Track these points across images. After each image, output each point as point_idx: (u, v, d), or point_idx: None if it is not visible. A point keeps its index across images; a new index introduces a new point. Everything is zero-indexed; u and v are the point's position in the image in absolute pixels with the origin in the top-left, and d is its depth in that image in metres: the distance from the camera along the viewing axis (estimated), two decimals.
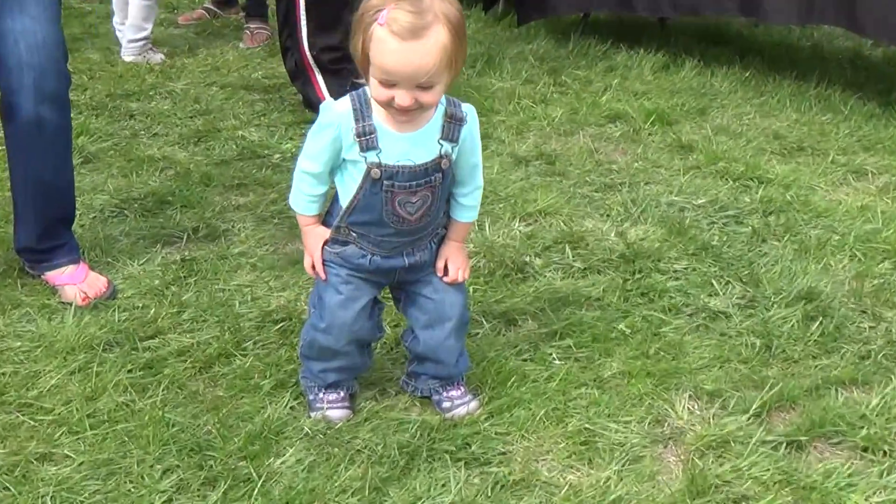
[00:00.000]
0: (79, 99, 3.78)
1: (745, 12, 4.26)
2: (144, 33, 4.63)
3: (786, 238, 2.92)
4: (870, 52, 4.65)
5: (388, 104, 1.83)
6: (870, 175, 3.37)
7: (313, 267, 2.04)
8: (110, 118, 3.70)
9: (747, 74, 4.29)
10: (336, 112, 1.91)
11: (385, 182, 1.90)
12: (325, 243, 2.02)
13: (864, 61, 4.55)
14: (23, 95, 2.35)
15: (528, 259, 2.77)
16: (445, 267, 2.07)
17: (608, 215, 3.05)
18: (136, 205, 3.03)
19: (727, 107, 3.95)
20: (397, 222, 1.95)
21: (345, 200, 1.96)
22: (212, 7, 5.58)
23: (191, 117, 3.75)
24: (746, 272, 2.72)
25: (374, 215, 1.94)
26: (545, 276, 2.70)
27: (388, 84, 1.80)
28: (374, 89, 1.83)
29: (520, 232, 2.92)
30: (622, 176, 3.31)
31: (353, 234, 1.98)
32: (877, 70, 4.42)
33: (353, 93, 1.93)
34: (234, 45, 5.06)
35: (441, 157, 1.93)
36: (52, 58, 2.35)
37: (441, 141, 1.92)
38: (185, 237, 2.86)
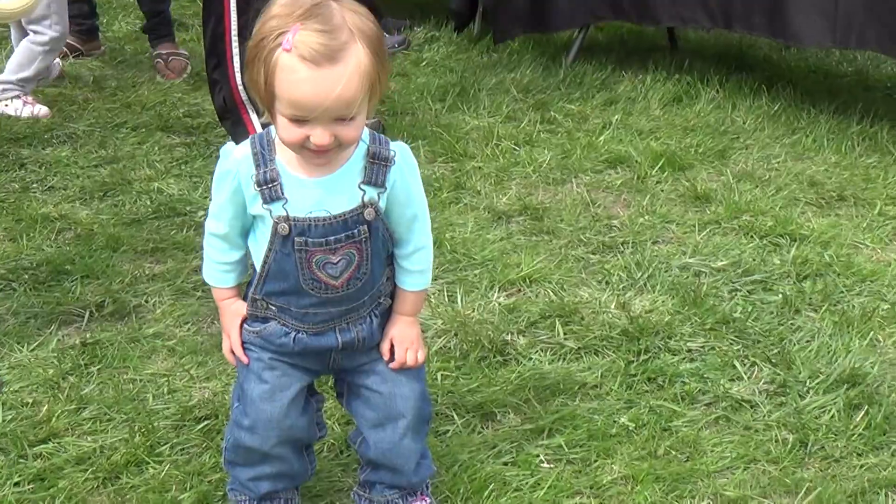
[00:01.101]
0: None
1: (773, 33, 4.32)
2: (21, 74, 4.51)
3: (824, 308, 2.94)
4: None
5: (301, 146, 1.79)
6: None
7: (232, 351, 2.02)
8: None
9: (776, 108, 4.32)
10: (234, 158, 1.90)
11: (296, 239, 1.88)
12: (244, 322, 2.02)
13: None
14: None
15: (509, 338, 2.78)
16: (392, 349, 2.04)
17: (608, 282, 3.06)
18: (26, 275, 3.03)
19: (752, 148, 3.97)
20: (318, 289, 1.92)
21: (258, 266, 1.95)
22: (73, 42, 5.30)
23: (95, 166, 3.73)
24: (776, 351, 2.74)
25: (290, 282, 1.93)
26: (530, 359, 2.70)
27: (301, 121, 1.76)
28: (282, 129, 1.79)
29: (499, 304, 2.94)
30: (624, 234, 3.33)
31: (273, 308, 1.97)
32: None
33: (254, 135, 1.92)
34: (150, 76, 5.07)
35: (364, 205, 1.89)
36: None
37: (362, 186, 1.89)
38: (86, 315, 2.85)
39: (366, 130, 1.90)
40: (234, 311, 2.02)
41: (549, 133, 4.08)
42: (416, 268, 2.02)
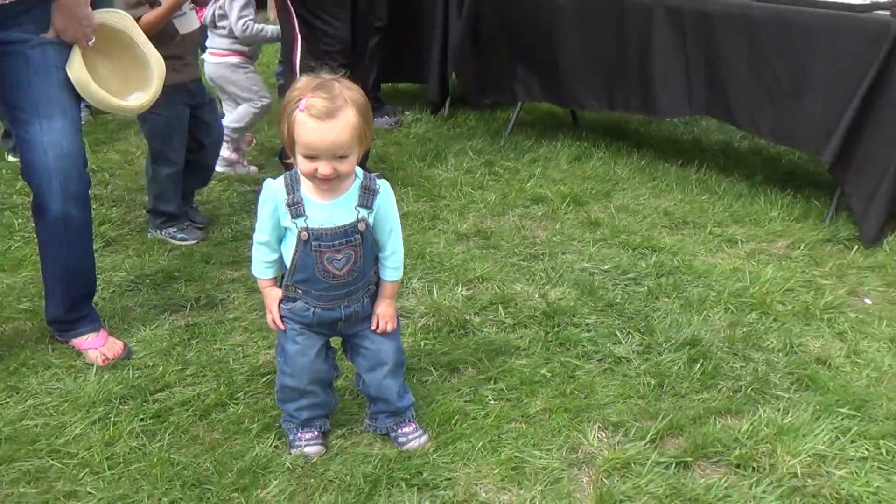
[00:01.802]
0: (101, 193, 3.75)
1: (645, 109, 4.26)
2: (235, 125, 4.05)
3: (674, 295, 2.94)
4: (738, 144, 4.71)
5: (312, 176, 1.86)
6: (739, 243, 3.40)
7: (274, 321, 2.05)
8: (127, 209, 3.65)
9: (642, 163, 4.31)
10: (272, 188, 1.95)
11: (313, 243, 1.93)
12: (281, 302, 2.03)
13: (734, 151, 4.60)
14: (51, 196, 2.34)
15: (468, 317, 2.77)
16: (377, 321, 2.07)
17: (533, 280, 3.05)
18: (148, 280, 3.01)
19: (627, 190, 3.96)
20: (328, 277, 1.96)
21: (288, 263, 1.99)
22: None
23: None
24: (643, 324, 2.74)
25: (309, 272, 1.96)
26: (482, 332, 2.69)
27: (311, 157, 1.83)
28: (300, 164, 1.86)
29: (462, 295, 2.92)
30: (544, 248, 3.31)
31: (299, 291, 2.00)
32: (744, 158, 4.48)
33: (286, 172, 1.96)
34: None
35: (358, 220, 1.94)
36: (75, 165, 2.35)
37: (357, 208, 1.95)
38: (188, 306, 2.83)
39: (361, 171, 1.94)
40: (273, 294, 2.04)
41: (493, 181, 4.07)
42: (393, 265, 2.05)
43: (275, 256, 2.02)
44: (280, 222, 1.96)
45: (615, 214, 3.65)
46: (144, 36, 2.53)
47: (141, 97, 2.51)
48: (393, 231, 2.03)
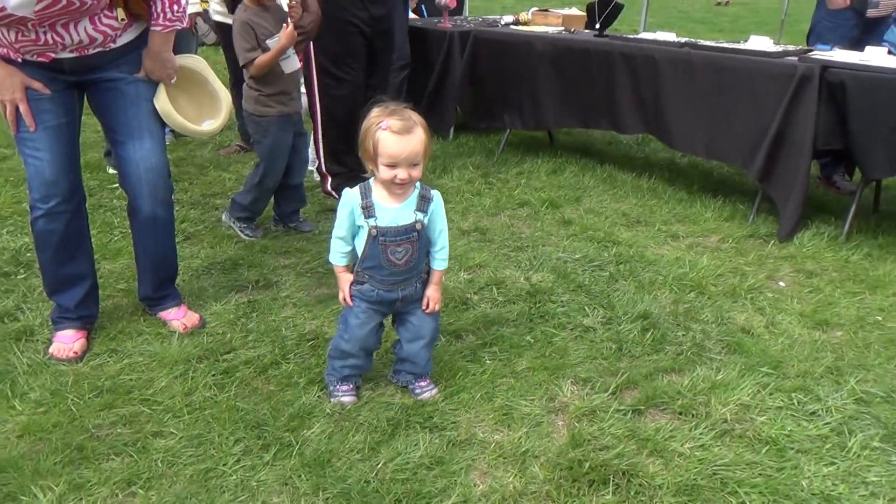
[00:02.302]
0: (182, 198, 3.72)
1: (612, 125, 4.16)
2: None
3: (630, 279, 2.90)
4: (680, 160, 4.65)
5: (392, 181, 1.85)
6: (681, 238, 3.36)
7: (344, 299, 2.03)
8: (203, 210, 3.62)
9: (605, 175, 4.27)
10: (350, 195, 1.93)
11: (380, 238, 1.91)
12: (351, 284, 2.00)
13: (676, 166, 4.56)
14: (143, 201, 2.33)
15: (469, 296, 2.74)
16: (427, 302, 2.05)
17: (519, 266, 3.01)
18: (218, 266, 2.98)
19: (593, 196, 3.92)
20: (390, 265, 1.94)
21: (360, 253, 1.96)
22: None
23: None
24: (606, 301, 2.71)
25: (376, 261, 1.94)
26: (480, 307, 2.67)
27: (393, 166, 1.84)
28: (382, 172, 1.85)
29: (464, 278, 2.89)
30: (528, 241, 3.28)
31: (367, 276, 1.98)
32: (684, 171, 4.43)
33: (361, 183, 1.95)
34: None
35: (416, 221, 1.93)
36: (161, 175, 2.34)
37: (416, 212, 1.94)
38: (250, 287, 2.80)
39: (420, 183, 1.94)
40: (345, 278, 2.01)
41: (489, 189, 4.02)
42: (441, 257, 2.03)
43: (348, 249, 2.01)
44: (355, 222, 1.95)
45: (584, 215, 3.61)
46: (214, 75, 2.50)
47: (212, 123, 2.49)
48: (442, 231, 2.02)
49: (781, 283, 2.92)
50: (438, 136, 5.08)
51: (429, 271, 2.06)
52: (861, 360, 2.35)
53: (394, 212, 1.93)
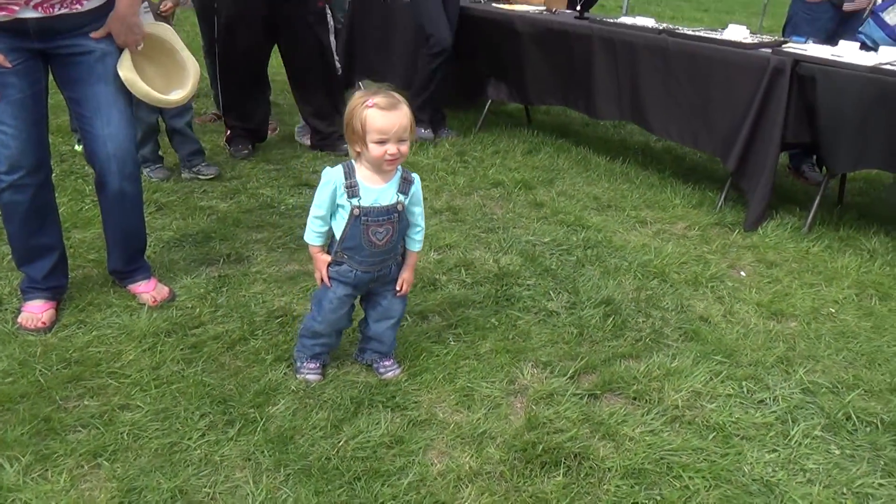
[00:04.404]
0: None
1: (588, 110, 4.21)
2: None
3: (596, 264, 2.95)
4: (654, 144, 4.71)
5: (382, 158, 1.88)
6: (649, 224, 3.42)
7: (322, 279, 2.05)
8: (175, 182, 3.61)
9: (579, 157, 4.30)
10: (333, 173, 1.96)
11: (363, 217, 1.94)
12: (329, 265, 2.03)
13: (651, 150, 4.60)
14: (111, 177, 2.33)
15: (437, 277, 2.78)
16: (403, 284, 2.10)
17: (489, 248, 3.05)
18: (190, 238, 2.99)
19: (566, 178, 3.95)
20: (370, 246, 1.97)
21: (338, 234, 1.99)
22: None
23: (228, 180, 3.68)
24: (571, 286, 2.76)
25: (356, 241, 1.97)
26: (448, 288, 2.71)
27: (382, 141, 1.86)
28: (372, 150, 1.88)
29: (434, 259, 2.93)
30: (499, 223, 3.31)
31: (346, 256, 2.00)
32: (658, 156, 4.48)
33: (344, 163, 1.98)
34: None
35: (397, 202, 1.97)
36: (129, 151, 2.34)
37: (398, 193, 1.97)
38: (221, 261, 2.82)
39: (401, 167, 1.97)
40: (322, 258, 2.03)
41: (463, 168, 4.04)
42: (418, 238, 2.09)
43: (326, 228, 2.03)
44: (336, 201, 1.97)
45: (556, 198, 3.65)
46: (182, 44, 2.50)
47: (180, 93, 2.48)
48: (420, 213, 2.06)
49: (742, 273, 3.00)
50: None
51: (404, 253, 2.10)
52: (811, 350, 2.45)
53: (377, 192, 1.95)
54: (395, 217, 1.98)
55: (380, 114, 1.85)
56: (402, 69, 4.65)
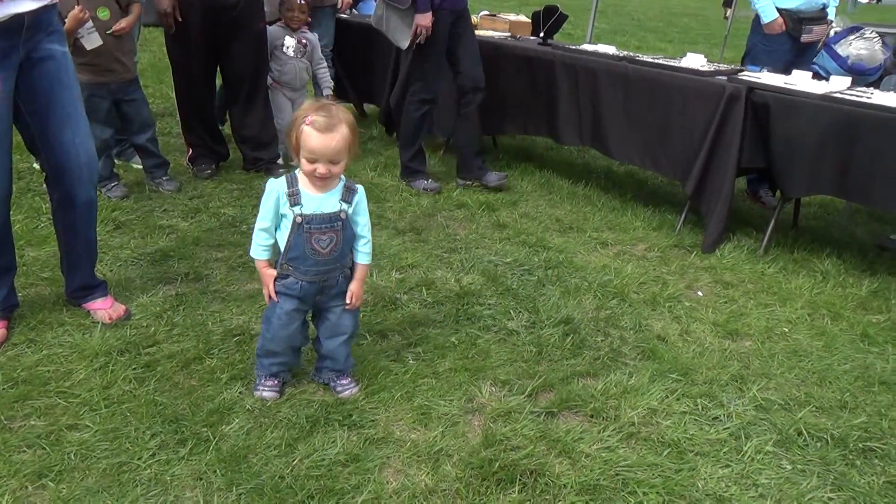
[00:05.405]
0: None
1: (551, 134, 4.28)
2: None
3: (557, 284, 2.98)
4: (617, 168, 4.79)
5: (312, 174, 1.90)
6: (609, 245, 3.47)
7: (269, 295, 2.04)
8: (137, 199, 3.57)
9: (543, 180, 4.35)
10: (276, 183, 1.97)
11: (305, 225, 1.94)
12: (275, 279, 2.02)
13: (613, 174, 4.68)
14: (81, 189, 2.32)
15: (398, 296, 2.78)
16: (350, 297, 2.09)
17: (451, 268, 3.06)
18: (148, 257, 2.95)
19: (529, 200, 4.00)
20: (314, 255, 1.97)
21: (283, 245, 1.98)
22: None
23: (190, 199, 3.65)
24: (532, 305, 2.78)
25: (300, 251, 1.97)
26: (409, 307, 2.71)
27: (312, 161, 1.88)
28: (303, 165, 1.90)
29: (395, 278, 2.93)
30: (462, 243, 3.33)
31: (290, 268, 1.99)
32: (620, 180, 4.56)
33: (287, 174, 1.99)
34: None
35: (340, 210, 1.97)
36: (95, 160, 2.35)
37: (340, 201, 1.98)
38: (179, 279, 2.79)
39: (344, 177, 1.98)
40: (268, 273, 2.02)
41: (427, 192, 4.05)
42: (366, 251, 2.07)
43: (271, 241, 2.02)
44: (279, 210, 1.97)
45: (518, 219, 3.69)
46: None
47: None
48: (365, 225, 2.06)
49: (699, 293, 3.05)
50: (388, 134, 5.10)
51: (353, 267, 2.10)
52: (765, 368, 2.49)
53: (319, 200, 1.96)
54: (339, 225, 1.99)
55: (314, 134, 1.86)
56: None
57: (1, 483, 1.74)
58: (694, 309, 2.88)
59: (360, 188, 2.03)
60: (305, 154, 1.88)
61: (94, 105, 3.38)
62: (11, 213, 2.62)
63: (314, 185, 1.94)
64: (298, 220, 1.94)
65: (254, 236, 2.02)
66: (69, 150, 2.25)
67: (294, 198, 1.94)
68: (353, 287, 2.08)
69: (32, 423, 1.94)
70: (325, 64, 4.36)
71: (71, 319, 2.45)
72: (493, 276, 3.00)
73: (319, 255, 1.98)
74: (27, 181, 3.66)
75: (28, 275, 2.70)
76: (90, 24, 3.27)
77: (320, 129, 1.85)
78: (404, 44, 3.75)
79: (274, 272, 2.03)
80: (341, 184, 1.99)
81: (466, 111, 3.99)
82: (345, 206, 1.99)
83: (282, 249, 1.99)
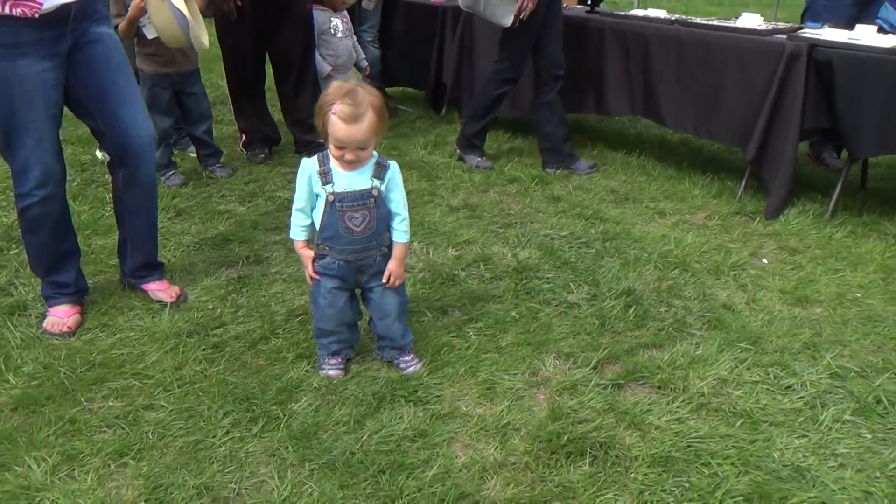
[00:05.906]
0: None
1: (598, 109, 4.21)
2: None
3: (615, 256, 2.93)
4: (671, 137, 4.66)
5: (340, 159, 1.90)
6: (668, 215, 3.39)
7: (310, 276, 2.06)
8: (195, 186, 3.64)
9: (595, 152, 4.28)
10: (308, 163, 1.97)
11: (337, 204, 1.94)
12: (314, 260, 2.03)
13: (667, 142, 4.57)
14: (146, 167, 2.38)
15: (456, 272, 2.77)
16: (389, 277, 2.08)
17: (507, 243, 3.04)
18: (210, 241, 3.01)
19: (583, 173, 3.92)
20: (348, 233, 1.97)
21: (318, 224, 1.99)
22: None
23: (246, 183, 3.70)
24: (591, 278, 2.74)
25: (333, 230, 1.96)
26: (467, 283, 2.70)
27: (340, 148, 1.88)
28: (332, 150, 1.90)
29: (451, 255, 2.92)
30: (516, 218, 3.30)
31: (326, 248, 2.00)
32: (675, 148, 4.44)
33: (319, 153, 1.98)
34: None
35: (372, 187, 1.96)
36: (154, 139, 2.40)
37: (372, 178, 1.96)
38: (241, 262, 2.83)
39: (376, 153, 1.96)
40: (307, 254, 2.03)
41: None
42: (402, 229, 2.04)
43: (308, 222, 2.03)
44: (313, 190, 1.97)
45: (573, 192, 3.63)
46: None
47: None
48: (400, 202, 2.03)
49: (764, 261, 2.96)
50: (432, 111, 5.07)
51: (390, 247, 2.08)
52: (838, 336, 2.40)
53: (350, 177, 1.95)
54: (371, 202, 1.97)
55: (340, 124, 1.84)
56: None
57: (84, 462, 1.79)
58: (760, 277, 2.80)
59: (393, 164, 2.00)
60: (332, 142, 1.89)
61: (155, 95, 3.48)
62: (77, 203, 2.70)
63: (343, 166, 1.94)
64: (331, 198, 1.94)
65: (291, 217, 2.04)
66: (130, 130, 2.29)
67: (325, 176, 1.94)
68: (392, 266, 2.06)
69: (111, 403, 2.00)
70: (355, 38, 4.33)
71: (140, 304, 2.51)
72: (550, 249, 2.96)
73: (353, 233, 1.97)
74: (90, 172, 3.76)
75: (96, 263, 2.78)
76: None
77: (346, 120, 1.83)
78: (507, 20, 3.54)
79: (312, 253, 2.04)
80: (373, 160, 1.97)
81: (549, 98, 3.83)
82: (377, 182, 1.97)
83: (317, 229, 2.00)
